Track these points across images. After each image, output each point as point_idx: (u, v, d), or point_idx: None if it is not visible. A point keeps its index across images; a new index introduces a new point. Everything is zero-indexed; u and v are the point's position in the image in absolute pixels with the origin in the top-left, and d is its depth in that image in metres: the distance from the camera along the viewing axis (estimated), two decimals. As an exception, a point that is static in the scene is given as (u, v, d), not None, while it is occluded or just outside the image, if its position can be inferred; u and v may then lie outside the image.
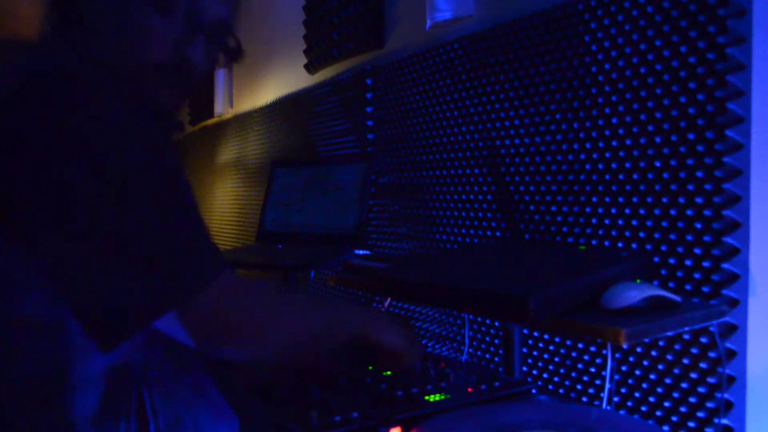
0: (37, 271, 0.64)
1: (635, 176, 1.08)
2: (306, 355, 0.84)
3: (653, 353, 1.05)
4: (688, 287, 1.01)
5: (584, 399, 1.18)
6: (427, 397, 0.90)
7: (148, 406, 0.69)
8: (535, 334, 1.27)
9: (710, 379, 0.98)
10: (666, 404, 1.04)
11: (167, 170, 0.68)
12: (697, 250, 0.99)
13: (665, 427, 1.04)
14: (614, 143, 1.12)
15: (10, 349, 0.65)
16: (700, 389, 0.99)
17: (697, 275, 0.99)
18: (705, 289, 0.99)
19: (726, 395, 0.97)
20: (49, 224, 0.62)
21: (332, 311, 0.83)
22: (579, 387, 1.19)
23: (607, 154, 1.13)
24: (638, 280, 0.88)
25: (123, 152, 0.65)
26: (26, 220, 0.63)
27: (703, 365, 0.98)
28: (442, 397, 0.90)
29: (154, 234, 0.64)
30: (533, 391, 0.97)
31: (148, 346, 0.70)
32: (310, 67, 2.16)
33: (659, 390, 1.05)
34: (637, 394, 1.08)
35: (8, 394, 0.65)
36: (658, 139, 1.04)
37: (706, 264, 0.98)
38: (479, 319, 1.41)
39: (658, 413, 1.05)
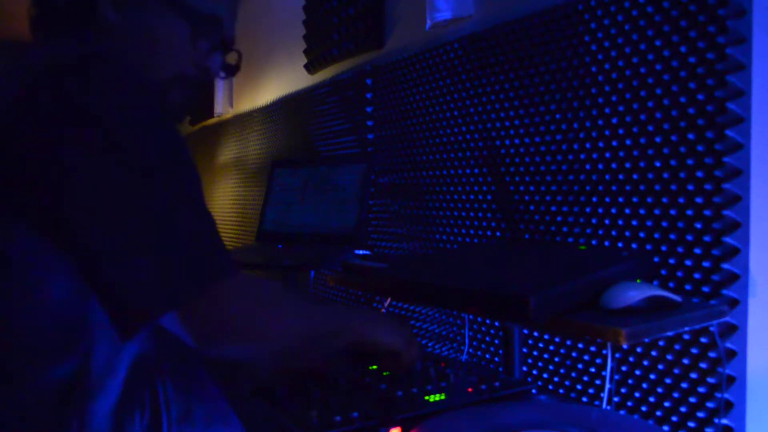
0: (65, 253, 0.65)
1: (635, 176, 1.08)
2: (303, 357, 0.84)
3: (653, 353, 1.05)
4: (688, 287, 1.01)
5: (584, 399, 1.18)
6: (427, 397, 0.90)
7: (161, 397, 0.70)
8: (535, 334, 1.27)
9: (710, 379, 0.98)
10: (666, 404, 1.04)
11: (187, 165, 0.69)
12: (697, 250, 0.99)
13: (665, 427, 1.04)
14: (614, 143, 1.12)
15: (36, 337, 0.65)
16: (700, 389, 0.99)
17: (697, 275, 0.99)
18: (705, 289, 0.99)
19: (726, 395, 0.97)
20: (79, 210, 0.63)
21: (330, 314, 0.84)
22: (579, 387, 1.19)
23: (607, 154, 1.13)
24: (638, 280, 0.88)
25: (148, 144, 0.66)
26: (56, 205, 0.63)
27: (703, 365, 0.98)
28: (442, 397, 0.90)
29: (179, 226, 0.65)
30: (533, 391, 0.96)
31: (162, 337, 0.71)
32: (310, 67, 2.16)
33: (659, 390, 1.05)
34: (637, 394, 1.08)
35: (31, 382, 0.65)
36: (658, 139, 1.04)
37: (706, 264, 0.98)
38: (479, 319, 1.41)
39: (658, 413, 1.05)
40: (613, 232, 1.13)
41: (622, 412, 1.10)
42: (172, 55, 0.82)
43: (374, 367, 1.05)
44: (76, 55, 0.67)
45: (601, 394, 1.14)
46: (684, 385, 1.01)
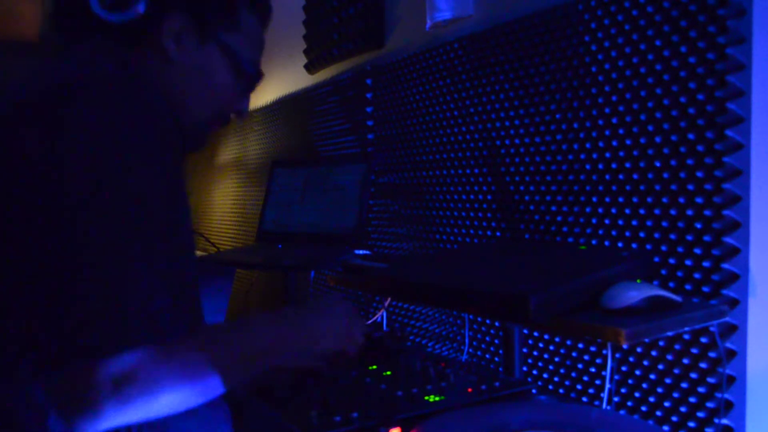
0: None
1: (635, 176, 1.08)
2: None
3: (653, 353, 1.05)
4: (688, 287, 1.01)
5: (584, 399, 1.18)
6: (427, 397, 0.90)
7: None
8: (535, 334, 1.27)
9: (710, 379, 0.98)
10: (666, 404, 1.04)
11: (175, 210, 0.67)
12: (697, 250, 0.99)
13: (665, 427, 1.04)
14: (614, 143, 1.12)
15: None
16: (700, 389, 0.99)
17: (697, 275, 0.99)
18: (705, 289, 0.99)
19: (726, 395, 0.97)
20: (39, 229, 0.62)
21: (233, 360, 0.71)
22: (579, 387, 1.19)
23: (607, 154, 1.13)
24: (638, 280, 0.88)
25: (134, 180, 0.64)
26: (21, 215, 0.63)
27: (703, 365, 0.98)
28: (442, 397, 0.90)
29: (119, 273, 0.62)
30: (533, 391, 0.97)
31: None
32: (310, 67, 2.16)
33: (659, 390, 1.05)
34: (637, 394, 1.08)
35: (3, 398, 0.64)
36: (658, 139, 1.04)
37: (706, 264, 0.98)
38: (479, 319, 1.41)
39: (658, 413, 1.05)
40: (613, 232, 1.13)
41: (622, 412, 1.10)
42: (217, 95, 0.85)
43: (374, 367, 1.05)
44: (104, 73, 0.67)
45: (601, 394, 1.14)
46: (684, 385, 1.01)
